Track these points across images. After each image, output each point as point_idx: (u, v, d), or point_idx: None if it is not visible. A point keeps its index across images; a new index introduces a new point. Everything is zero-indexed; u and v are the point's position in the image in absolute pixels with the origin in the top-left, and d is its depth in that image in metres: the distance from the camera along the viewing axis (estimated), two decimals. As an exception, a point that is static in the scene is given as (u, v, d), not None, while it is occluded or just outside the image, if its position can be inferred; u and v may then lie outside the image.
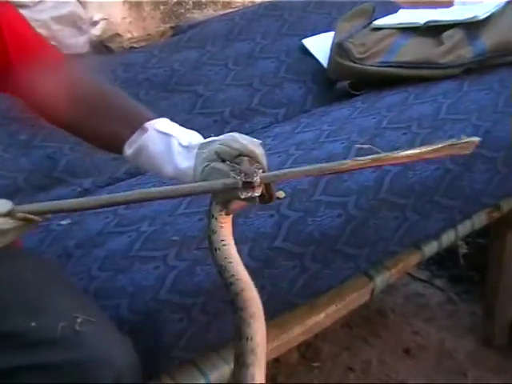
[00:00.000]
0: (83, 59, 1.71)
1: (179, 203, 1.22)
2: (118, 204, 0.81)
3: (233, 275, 0.79)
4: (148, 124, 0.85)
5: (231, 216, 0.83)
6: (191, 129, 1.58)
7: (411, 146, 1.30)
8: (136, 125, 0.85)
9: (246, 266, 1.11)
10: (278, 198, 1.21)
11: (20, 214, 0.73)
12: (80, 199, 0.82)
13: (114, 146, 0.87)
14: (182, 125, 1.60)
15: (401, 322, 1.86)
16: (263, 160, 0.80)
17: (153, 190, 0.79)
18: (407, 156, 0.77)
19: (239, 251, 1.10)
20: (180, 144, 0.84)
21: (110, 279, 1.07)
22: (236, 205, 0.81)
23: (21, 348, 0.79)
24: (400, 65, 1.65)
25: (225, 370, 1.13)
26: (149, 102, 1.60)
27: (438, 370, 1.70)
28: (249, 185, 0.74)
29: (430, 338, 1.82)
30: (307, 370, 1.68)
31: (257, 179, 0.74)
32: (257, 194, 0.76)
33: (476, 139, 0.81)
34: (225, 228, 0.82)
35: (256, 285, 1.12)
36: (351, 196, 1.23)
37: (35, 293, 0.84)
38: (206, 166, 0.81)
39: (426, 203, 1.31)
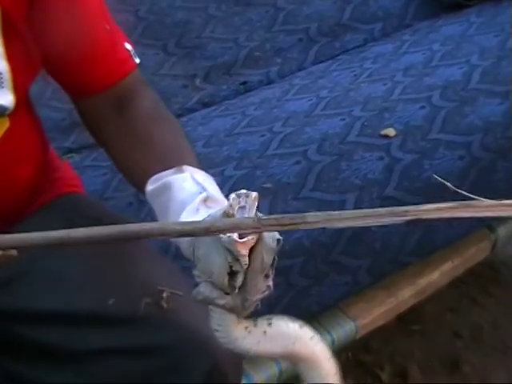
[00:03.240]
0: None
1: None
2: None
3: None
4: (186, 167, 0.76)
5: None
6: (272, 49, 1.59)
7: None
8: (169, 165, 0.76)
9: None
10: (387, 135, 1.17)
11: None
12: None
13: (136, 177, 0.80)
14: (260, 44, 1.60)
15: (517, 278, 1.82)
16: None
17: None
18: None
19: (343, 201, 1.09)
20: (204, 201, 0.71)
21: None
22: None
23: (97, 329, 0.76)
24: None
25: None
26: (220, 19, 1.56)
27: None
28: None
29: (553, 297, 1.77)
30: (406, 334, 1.65)
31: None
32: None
33: None
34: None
35: (363, 242, 1.11)
36: (476, 134, 1.18)
37: (109, 261, 0.79)
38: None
39: None
